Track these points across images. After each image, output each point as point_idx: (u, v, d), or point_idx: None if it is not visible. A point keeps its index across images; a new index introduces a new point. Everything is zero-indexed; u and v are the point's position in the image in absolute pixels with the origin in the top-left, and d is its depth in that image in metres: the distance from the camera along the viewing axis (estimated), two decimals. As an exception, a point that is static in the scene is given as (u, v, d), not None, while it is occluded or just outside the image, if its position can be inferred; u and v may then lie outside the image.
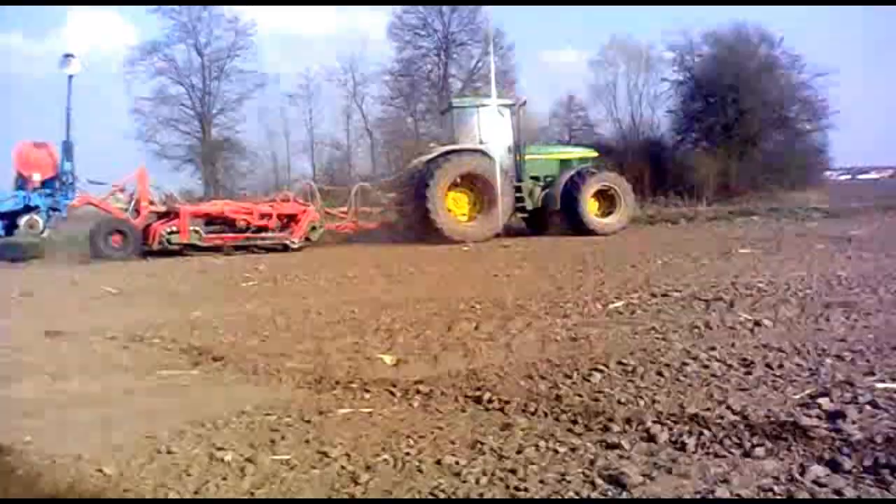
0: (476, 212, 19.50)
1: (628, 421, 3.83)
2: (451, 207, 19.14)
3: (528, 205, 20.11)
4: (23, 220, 16.67)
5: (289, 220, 18.40)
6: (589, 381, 4.65)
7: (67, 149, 17.77)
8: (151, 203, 18.11)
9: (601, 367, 4.92)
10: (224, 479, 3.40)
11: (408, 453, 3.57)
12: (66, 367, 5.93)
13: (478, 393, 4.48)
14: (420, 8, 42.44)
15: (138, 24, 74.22)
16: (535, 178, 20.40)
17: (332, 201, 20.97)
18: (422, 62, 43.78)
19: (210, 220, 18.48)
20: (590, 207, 19.79)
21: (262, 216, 18.03)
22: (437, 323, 7.00)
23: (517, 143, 20.21)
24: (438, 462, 3.44)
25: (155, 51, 42.78)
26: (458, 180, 19.07)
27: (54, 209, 17.44)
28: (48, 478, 3.57)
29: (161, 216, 18.01)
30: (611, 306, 7.46)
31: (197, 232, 17.53)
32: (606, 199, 20.27)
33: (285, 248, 17.69)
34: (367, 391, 4.72)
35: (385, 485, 3.22)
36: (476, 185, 19.40)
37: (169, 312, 8.56)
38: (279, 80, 44.57)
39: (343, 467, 3.44)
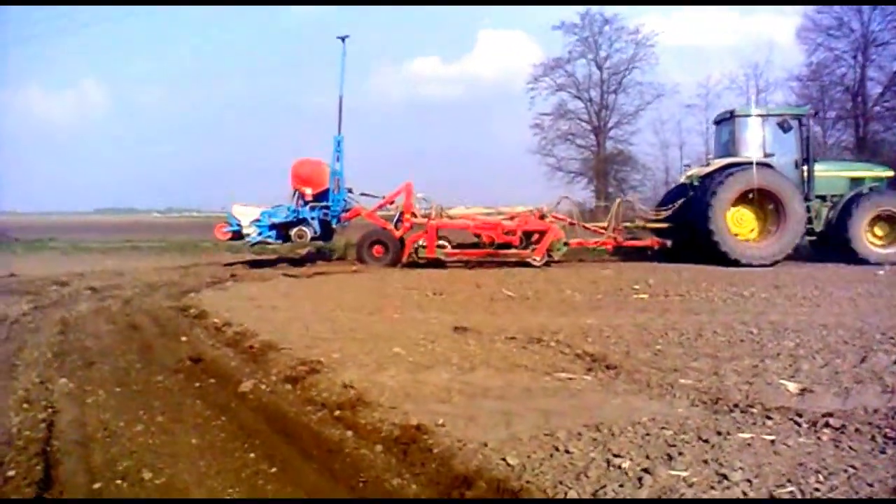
0: (762, 232, 17.62)
1: None
2: (733, 226, 17.41)
3: (816, 226, 17.80)
4: (293, 231, 18.16)
5: (535, 237, 17.67)
6: None
7: (338, 144, 18.92)
8: (414, 216, 18.50)
9: None
10: (621, 486, 3.42)
11: (817, 489, 3.31)
12: (471, 360, 6.41)
13: (901, 434, 4.00)
14: (836, 7, 38.97)
15: (542, 42, 78.24)
16: (822, 198, 18.04)
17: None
18: (835, 65, 39.99)
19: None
20: (868, 235, 17.22)
21: (506, 232, 17.52)
22: (847, 352, 6.38)
23: (805, 158, 17.90)
24: (853, 504, 3.13)
25: (557, 67, 44.73)
26: (741, 197, 17.29)
27: (325, 220, 18.68)
28: (459, 460, 3.88)
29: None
30: None
31: (442, 247, 17.60)
32: (892, 227, 17.46)
33: (528, 265, 16.91)
34: (769, 418, 4.44)
35: (793, 518, 3.01)
36: (762, 203, 17.50)
37: (563, 318, 8.86)
38: (677, 91, 43.89)
39: (744, 493, 3.28)
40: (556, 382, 5.64)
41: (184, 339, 7.99)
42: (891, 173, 19.13)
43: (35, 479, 3.84)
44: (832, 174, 18.46)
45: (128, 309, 10.50)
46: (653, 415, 4.59)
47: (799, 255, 17.84)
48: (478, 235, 17.82)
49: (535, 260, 17.10)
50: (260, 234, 18.15)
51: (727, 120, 19.18)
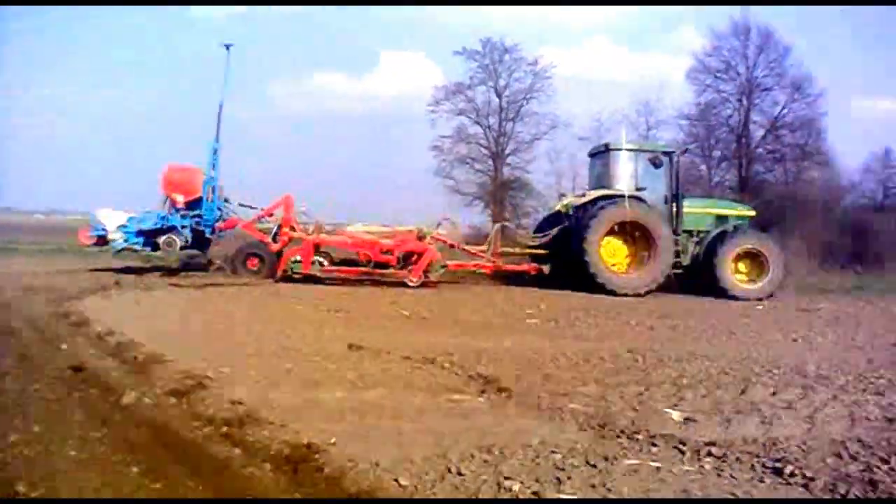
0: (633, 263, 18.34)
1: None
2: (605, 256, 17.96)
3: (683, 260, 18.61)
4: (161, 239, 17.76)
5: (411, 258, 17.59)
6: (910, 468, 4.16)
7: (214, 152, 18.63)
8: (293, 230, 18.14)
9: (925, 456, 4.38)
10: (512, 509, 3.45)
11: (700, 516, 3.41)
12: (365, 379, 6.37)
13: (777, 464, 4.18)
14: (724, 51, 40.76)
15: (444, 65, 79.80)
16: (689, 233, 18.94)
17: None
18: (721, 107, 41.67)
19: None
20: (733, 271, 18.22)
21: (384, 252, 17.62)
22: (728, 383, 6.64)
23: (675, 194, 18.71)
24: (734, 531, 3.25)
25: (458, 92, 45.14)
26: (613, 229, 17.85)
27: (197, 229, 18.35)
28: (350, 479, 3.85)
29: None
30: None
31: (318, 263, 17.50)
32: (754, 263, 18.52)
33: (404, 286, 16.93)
34: (654, 444, 4.58)
35: (676, 544, 3.10)
36: (633, 234, 18.20)
37: (457, 339, 8.91)
38: (571, 123, 44.90)
39: (631, 519, 3.36)
40: (450, 403, 5.66)
41: (64, 346, 7.63)
42: (753, 213, 20.32)
43: None
44: (698, 211, 19.19)
45: (5, 314, 9.97)
46: (543, 438, 4.65)
47: (671, 287, 18.43)
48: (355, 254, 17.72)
49: (411, 281, 17.05)
50: (126, 240, 17.65)
51: (602, 153, 19.69)
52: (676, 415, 5.44)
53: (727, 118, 41.11)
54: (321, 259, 17.59)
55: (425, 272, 17.33)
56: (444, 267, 17.86)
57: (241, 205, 19.32)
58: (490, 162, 45.82)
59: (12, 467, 3.97)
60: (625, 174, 18.65)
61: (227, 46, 19.35)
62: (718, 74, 41.02)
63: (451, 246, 18.81)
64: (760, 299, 17.45)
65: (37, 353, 7.32)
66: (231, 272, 17.79)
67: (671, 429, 5.04)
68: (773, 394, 6.23)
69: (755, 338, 10.08)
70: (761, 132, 40.08)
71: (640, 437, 4.76)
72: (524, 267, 19.35)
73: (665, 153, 19.02)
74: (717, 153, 41.36)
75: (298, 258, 17.26)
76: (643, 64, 68.85)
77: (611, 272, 17.76)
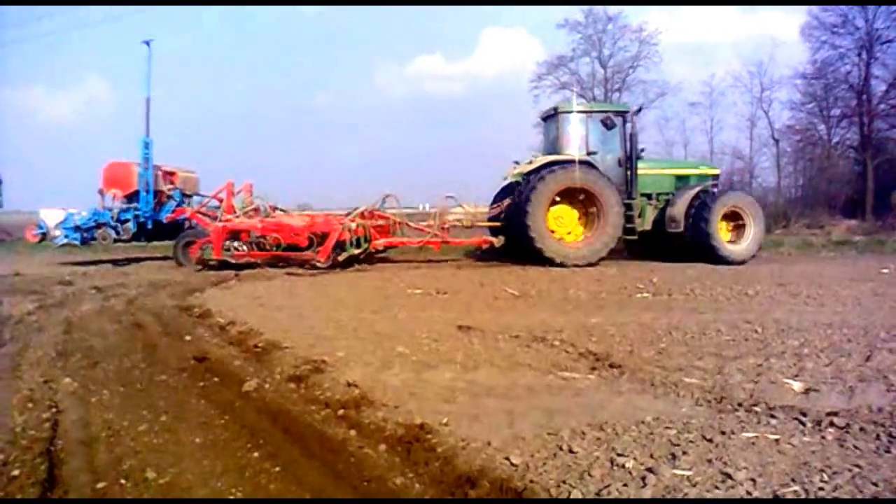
0: (582, 231, 17.61)
1: None
2: (553, 225, 17.39)
3: (639, 225, 17.82)
4: (98, 233, 18.87)
5: (323, 239, 17.02)
6: None
7: (146, 146, 19.57)
8: (235, 215, 18.30)
9: None
10: (625, 485, 3.42)
11: (821, 488, 3.30)
12: (475, 359, 6.41)
13: (906, 434, 4.00)
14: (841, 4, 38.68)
15: (545, 40, 78.87)
16: (647, 196, 18.10)
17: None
18: (839, 63, 39.77)
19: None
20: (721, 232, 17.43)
21: (294, 234, 17.12)
22: (852, 351, 6.37)
23: (629, 156, 17.75)
24: (858, 503, 3.12)
25: (561, 65, 44.64)
26: (561, 196, 17.16)
27: (140, 221, 19.24)
28: (462, 459, 3.89)
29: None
30: None
31: (229, 249, 17.20)
32: (733, 223, 17.75)
33: (315, 268, 16.33)
34: (773, 417, 4.43)
35: (796, 518, 3.00)
36: (582, 201, 17.43)
37: (566, 317, 8.84)
38: (681, 89, 43.75)
39: (748, 492, 3.27)
40: (560, 381, 5.63)
41: (188, 338, 7.99)
42: (717, 171, 19.57)
43: (39, 478, 3.84)
44: (658, 172, 18.55)
45: (132, 308, 10.52)
46: (657, 414, 4.58)
47: (622, 254, 17.99)
48: (263, 237, 17.52)
49: (319, 262, 16.64)
50: (66, 236, 18.99)
51: (553, 116, 19.01)
52: (797, 385, 5.26)
53: (846, 74, 39.24)
54: (236, 245, 17.47)
55: (335, 252, 16.95)
56: (352, 247, 17.27)
57: (194, 194, 20.57)
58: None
59: (142, 455, 4.20)
60: (575, 138, 18.02)
61: (147, 43, 20.32)
62: (835, 29, 39.08)
63: (396, 223, 18.62)
64: (744, 261, 17.03)
65: (163, 345, 7.70)
66: (176, 262, 18.44)
67: (791, 400, 4.88)
68: (902, 360, 5.96)
69: (880, 302, 9.62)
70: (884, 87, 38.09)
71: (758, 409, 4.62)
72: (473, 241, 18.87)
73: (618, 113, 18.36)
74: (835, 112, 39.54)
75: (209, 245, 17.36)
76: (754, 22, 66.18)
77: (555, 242, 17.20)
